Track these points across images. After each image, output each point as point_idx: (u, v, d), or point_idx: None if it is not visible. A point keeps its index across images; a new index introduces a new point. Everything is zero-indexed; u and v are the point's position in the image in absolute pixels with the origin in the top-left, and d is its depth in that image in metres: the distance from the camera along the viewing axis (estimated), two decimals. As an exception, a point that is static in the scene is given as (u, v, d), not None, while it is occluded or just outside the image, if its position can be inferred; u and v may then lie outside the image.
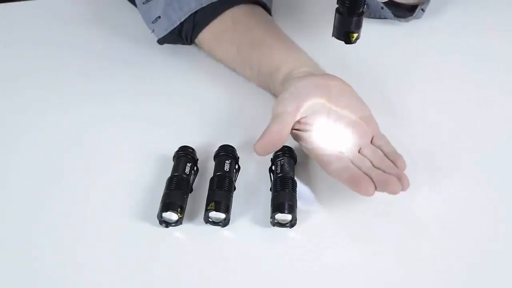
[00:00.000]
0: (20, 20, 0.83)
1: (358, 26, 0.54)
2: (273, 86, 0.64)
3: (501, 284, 0.50)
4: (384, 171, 0.53)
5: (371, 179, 0.51)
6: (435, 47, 0.78)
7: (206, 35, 0.70)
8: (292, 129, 0.57)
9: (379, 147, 0.56)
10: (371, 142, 0.57)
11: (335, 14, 0.54)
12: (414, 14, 0.80)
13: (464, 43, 0.79)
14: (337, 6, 0.54)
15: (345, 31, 0.54)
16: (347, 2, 0.52)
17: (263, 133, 0.56)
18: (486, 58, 0.76)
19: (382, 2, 0.77)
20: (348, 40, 0.55)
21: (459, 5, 0.85)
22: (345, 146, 0.56)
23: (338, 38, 0.55)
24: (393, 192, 0.51)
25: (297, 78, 0.60)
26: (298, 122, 0.57)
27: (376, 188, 0.51)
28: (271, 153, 0.57)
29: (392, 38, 0.79)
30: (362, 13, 0.53)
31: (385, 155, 0.56)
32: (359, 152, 0.56)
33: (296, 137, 0.58)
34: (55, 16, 0.83)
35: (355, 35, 0.55)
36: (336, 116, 0.57)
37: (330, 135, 0.56)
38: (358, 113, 0.58)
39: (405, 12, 0.80)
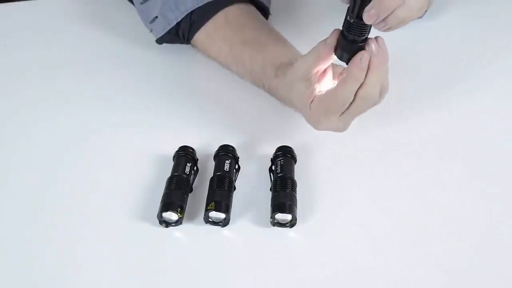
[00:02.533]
0: (20, 20, 0.83)
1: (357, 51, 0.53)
2: (267, 81, 0.64)
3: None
4: None
5: None
6: (435, 46, 0.78)
7: (201, 34, 0.70)
8: None
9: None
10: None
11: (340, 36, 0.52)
12: None
13: (464, 42, 0.79)
14: (342, 28, 0.52)
15: (348, 57, 0.53)
16: (353, 30, 0.50)
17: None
18: (487, 58, 0.75)
19: None
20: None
21: (459, 5, 0.85)
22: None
23: (341, 59, 0.54)
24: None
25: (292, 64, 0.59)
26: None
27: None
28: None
29: (392, 38, 0.79)
30: (365, 40, 0.53)
31: None
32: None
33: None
34: (55, 16, 0.83)
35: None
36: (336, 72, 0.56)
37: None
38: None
39: None
